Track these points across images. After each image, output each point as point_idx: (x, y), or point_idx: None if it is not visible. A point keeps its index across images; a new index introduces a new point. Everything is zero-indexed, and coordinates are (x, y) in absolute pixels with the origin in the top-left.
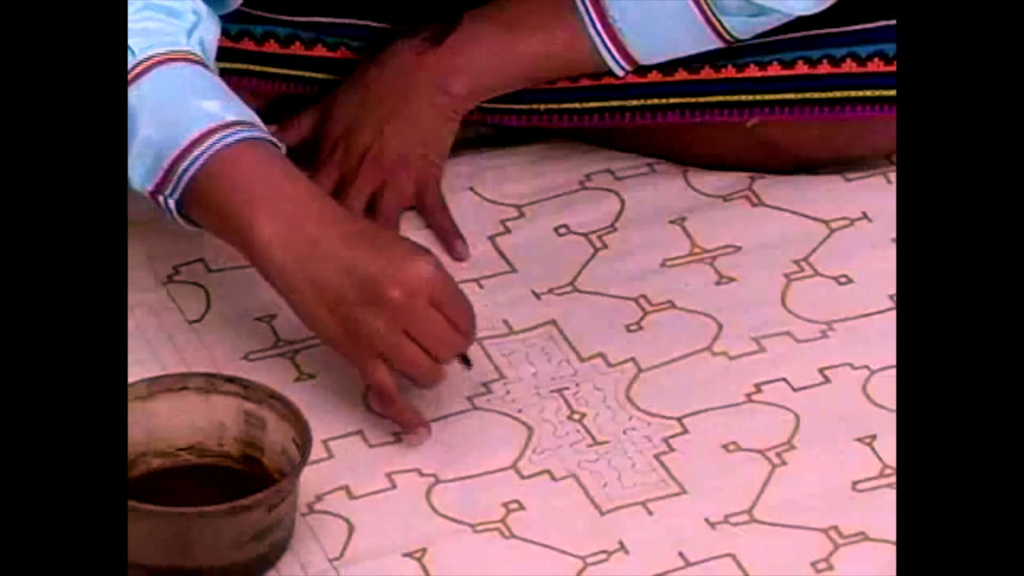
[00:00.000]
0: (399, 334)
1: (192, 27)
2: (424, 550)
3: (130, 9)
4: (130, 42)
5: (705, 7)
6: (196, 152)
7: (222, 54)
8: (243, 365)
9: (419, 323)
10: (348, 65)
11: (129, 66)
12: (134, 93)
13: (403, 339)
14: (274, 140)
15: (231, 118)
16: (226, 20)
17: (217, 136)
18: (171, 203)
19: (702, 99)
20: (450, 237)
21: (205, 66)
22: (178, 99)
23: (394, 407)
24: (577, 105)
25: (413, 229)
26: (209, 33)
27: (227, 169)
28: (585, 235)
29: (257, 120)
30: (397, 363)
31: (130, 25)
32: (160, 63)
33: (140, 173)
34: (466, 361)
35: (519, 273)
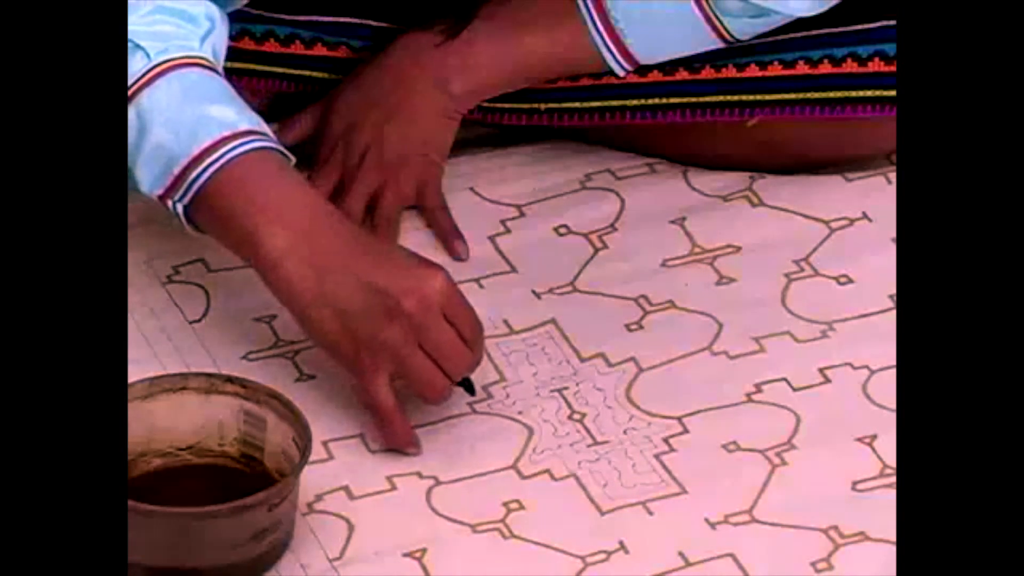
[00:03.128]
0: (413, 346)
1: (206, 33)
2: (424, 550)
3: (142, 11)
4: (144, 44)
5: (707, 8)
6: (207, 161)
7: None
8: (243, 365)
9: (433, 336)
10: (348, 64)
11: (143, 68)
12: (146, 96)
13: (417, 352)
14: (284, 151)
15: (244, 127)
16: None
17: (229, 146)
18: (179, 208)
19: (703, 99)
20: (450, 237)
21: (218, 73)
22: (191, 105)
23: (394, 426)
24: (578, 104)
25: (413, 229)
26: (221, 40)
27: (237, 179)
28: (585, 235)
29: (268, 130)
30: (409, 377)
31: (143, 27)
32: (174, 67)
33: (149, 178)
34: (469, 388)
35: (519, 273)
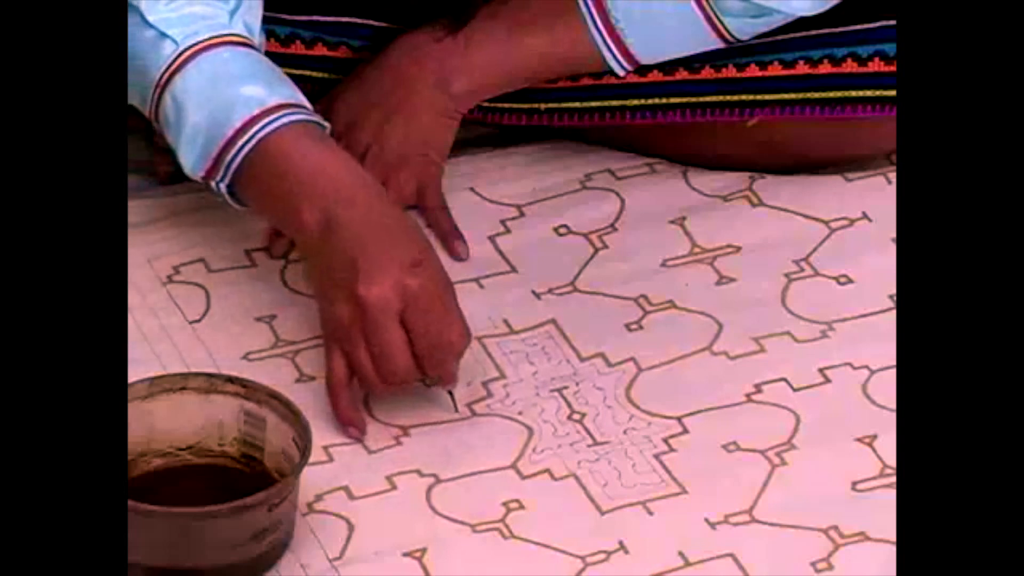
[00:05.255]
0: (358, 335)
1: (235, 8)
2: (424, 550)
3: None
4: (171, 32)
5: (707, 8)
6: (242, 141)
7: None
8: (243, 365)
9: (378, 335)
10: (348, 64)
11: (172, 55)
12: (179, 82)
13: (359, 343)
14: (319, 121)
15: (275, 102)
16: None
17: (262, 123)
18: (223, 188)
19: (703, 99)
20: (450, 237)
21: (251, 47)
22: (223, 86)
23: (336, 400)
24: (578, 104)
25: None
26: (253, 13)
27: (271, 156)
28: (585, 235)
29: (303, 100)
30: (350, 363)
31: (168, 15)
32: (204, 49)
33: (191, 160)
34: (453, 400)
35: (519, 273)
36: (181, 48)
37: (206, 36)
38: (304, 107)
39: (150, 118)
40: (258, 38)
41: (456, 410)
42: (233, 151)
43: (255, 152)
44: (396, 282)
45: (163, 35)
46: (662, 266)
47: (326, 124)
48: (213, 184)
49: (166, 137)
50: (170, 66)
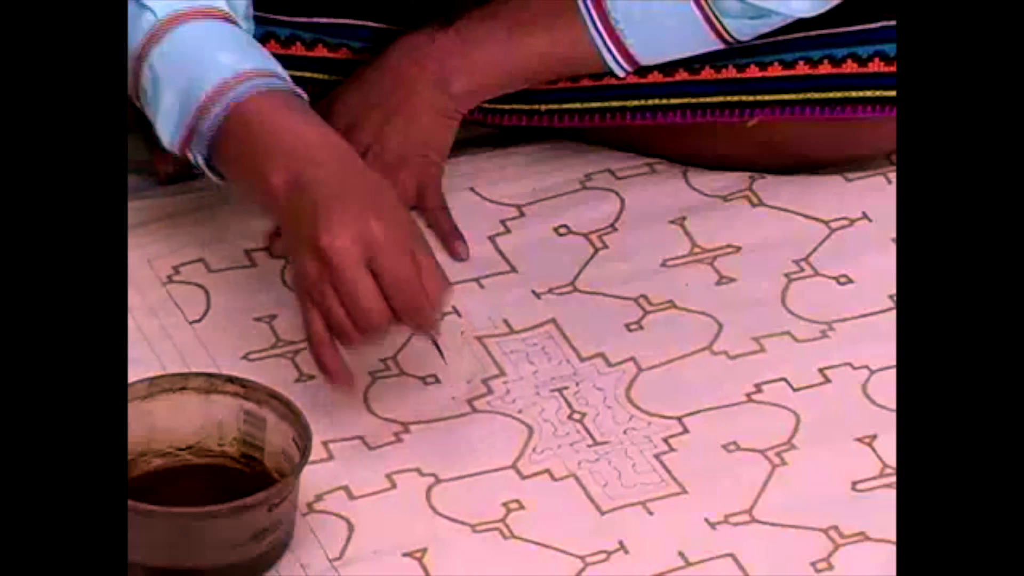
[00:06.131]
0: (326, 284)
1: None
2: (424, 550)
3: None
4: (150, 3)
5: (707, 9)
6: (214, 109)
7: None
8: (243, 365)
9: (342, 282)
10: (349, 66)
11: (150, 26)
12: (156, 52)
13: (328, 292)
14: (292, 87)
15: (245, 69)
16: None
17: (231, 91)
18: (200, 159)
19: (703, 99)
20: (450, 237)
21: (230, 20)
22: (195, 55)
23: (322, 356)
24: (578, 105)
25: None
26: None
27: (242, 121)
28: (585, 235)
29: (276, 67)
30: (325, 318)
31: None
32: (183, 20)
33: (168, 132)
34: (439, 350)
35: (519, 273)
36: (160, 19)
37: (183, 7)
38: (278, 75)
39: (132, 95)
40: (244, 22)
41: (444, 361)
42: (207, 120)
43: (227, 119)
44: (359, 229)
45: (143, 7)
46: (662, 266)
47: (302, 93)
48: (191, 156)
49: (145, 112)
50: (149, 37)
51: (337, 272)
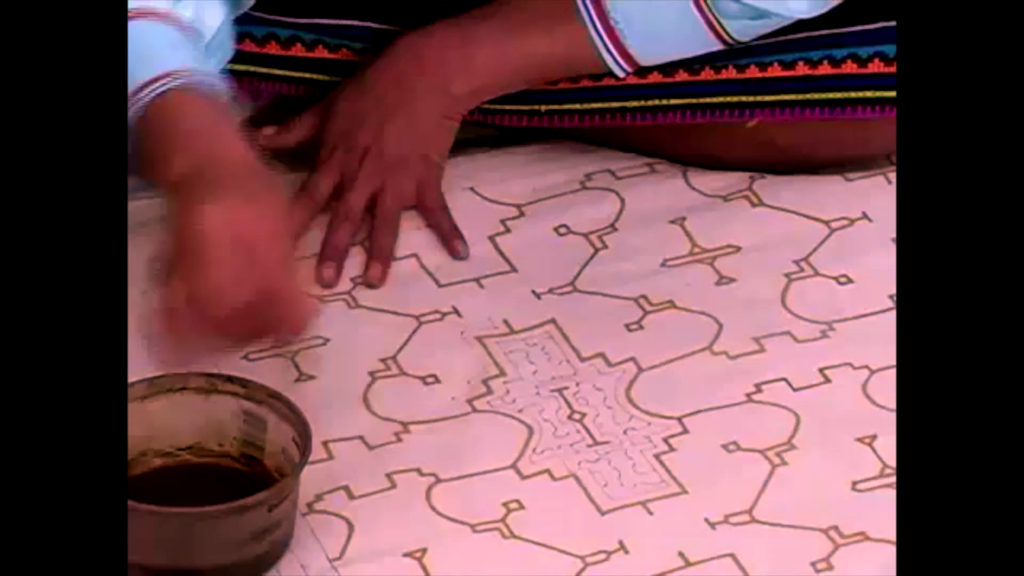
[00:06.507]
0: (184, 261)
1: None
2: (424, 550)
3: None
4: None
5: (706, 10)
6: (131, 109)
7: None
8: (243, 365)
9: (204, 256)
10: (349, 67)
11: None
12: None
13: (186, 270)
14: (207, 83)
15: (161, 71)
16: None
17: (143, 94)
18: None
19: (702, 100)
20: (449, 237)
21: (178, 23)
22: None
23: (169, 327)
24: (578, 106)
25: (414, 229)
26: (212, 11)
27: (150, 125)
28: (585, 235)
29: (195, 67)
30: (179, 292)
31: None
32: (132, 18)
33: None
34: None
35: (519, 273)
36: None
37: (137, 6)
38: (195, 71)
39: None
40: (211, 35)
41: (298, 375)
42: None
43: (137, 122)
44: (227, 210)
45: None
46: (662, 266)
47: (225, 94)
48: None
49: None
50: None
51: (202, 248)
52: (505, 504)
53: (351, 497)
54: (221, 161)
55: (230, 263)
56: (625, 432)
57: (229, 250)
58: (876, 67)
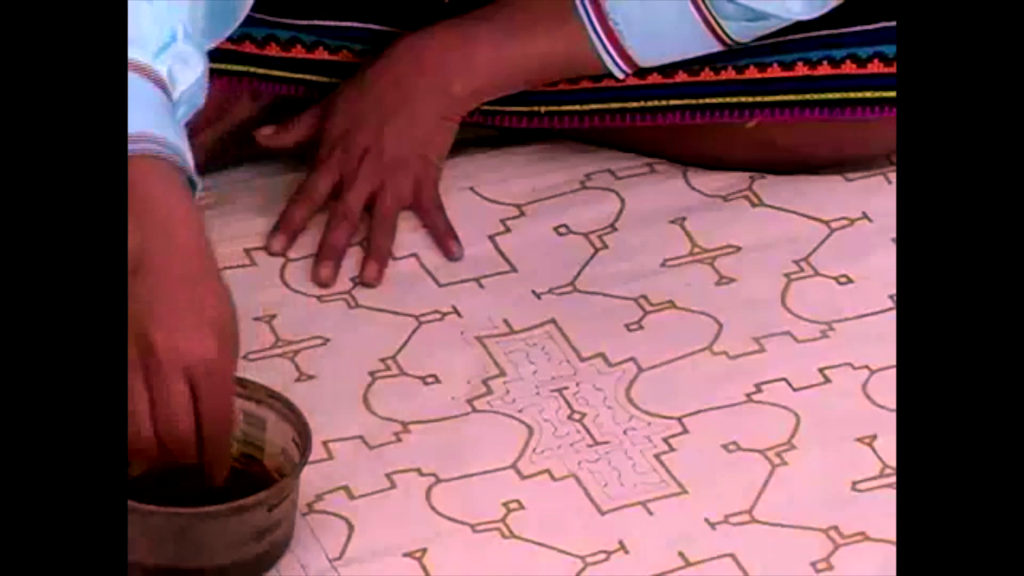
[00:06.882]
0: (138, 379)
1: (164, 45)
2: (424, 550)
3: None
4: None
5: (705, 11)
6: None
7: (224, 56)
8: (243, 365)
9: (161, 388)
10: (349, 68)
11: None
12: None
13: (140, 390)
14: (182, 165)
15: (137, 131)
16: None
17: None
18: None
19: (702, 101)
20: (444, 237)
21: (158, 84)
22: None
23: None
24: (577, 107)
25: (411, 230)
26: (185, 63)
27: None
28: (585, 235)
29: (168, 137)
30: (129, 407)
31: None
32: None
33: None
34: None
35: (519, 273)
36: None
37: None
38: (173, 145)
39: None
40: (182, 86)
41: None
42: None
43: None
44: (193, 340)
45: None
46: (662, 266)
47: (192, 177)
48: None
49: None
50: None
51: (156, 371)
52: (505, 504)
53: (351, 497)
54: (170, 247)
55: (186, 395)
56: (625, 432)
57: (185, 381)
58: (875, 67)
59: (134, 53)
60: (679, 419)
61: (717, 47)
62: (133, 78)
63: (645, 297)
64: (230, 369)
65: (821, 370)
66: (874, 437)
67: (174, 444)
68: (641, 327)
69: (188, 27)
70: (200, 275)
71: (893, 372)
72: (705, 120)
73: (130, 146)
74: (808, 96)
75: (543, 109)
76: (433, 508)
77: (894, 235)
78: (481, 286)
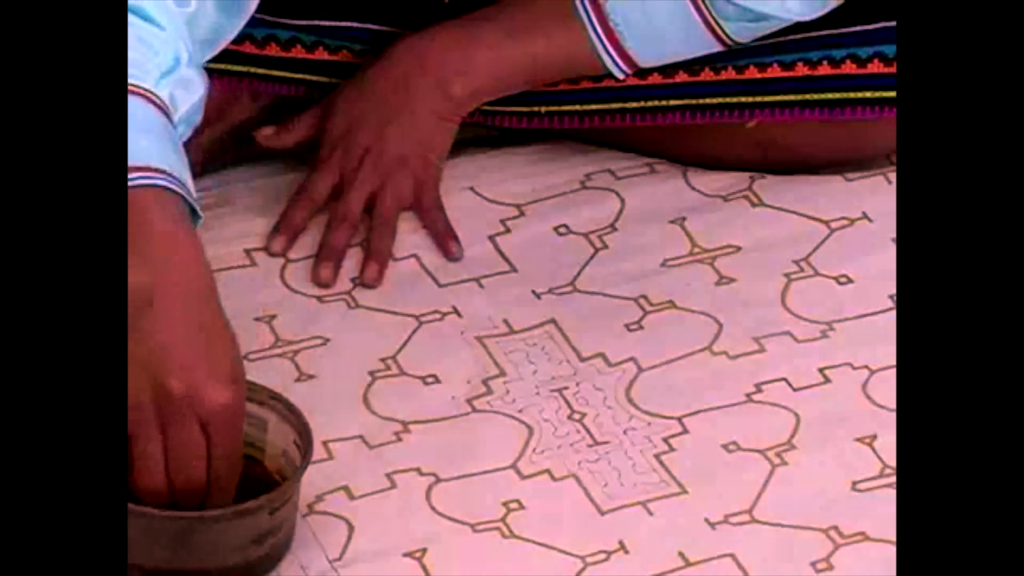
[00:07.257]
0: (152, 428)
1: (167, 70)
2: (424, 550)
3: None
4: None
5: (705, 12)
6: None
7: (224, 56)
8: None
9: (175, 432)
10: (349, 68)
11: None
12: None
13: (154, 437)
14: (190, 201)
15: (144, 163)
16: None
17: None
18: None
19: (702, 101)
20: (444, 238)
21: (160, 108)
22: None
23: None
24: (578, 107)
25: (411, 231)
26: (186, 88)
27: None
28: (585, 235)
29: (181, 173)
30: (133, 458)
31: None
32: None
33: None
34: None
35: (519, 273)
36: None
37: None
38: (181, 183)
39: None
40: (184, 111)
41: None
42: None
43: None
44: (208, 386)
45: None
46: (662, 266)
47: (198, 212)
48: None
49: None
50: None
51: (172, 419)
52: (505, 504)
53: (351, 497)
54: (183, 290)
55: (201, 443)
56: (625, 432)
57: (199, 426)
58: (875, 67)
59: (137, 78)
60: (679, 419)
61: (717, 48)
62: (136, 103)
63: (645, 297)
64: (241, 414)
65: (821, 370)
66: (874, 437)
67: (187, 488)
68: (641, 327)
69: (191, 49)
70: (212, 320)
71: (893, 372)
72: (705, 120)
73: (137, 177)
74: (808, 96)
75: (543, 109)
76: (433, 508)
77: (894, 235)
78: (481, 286)
